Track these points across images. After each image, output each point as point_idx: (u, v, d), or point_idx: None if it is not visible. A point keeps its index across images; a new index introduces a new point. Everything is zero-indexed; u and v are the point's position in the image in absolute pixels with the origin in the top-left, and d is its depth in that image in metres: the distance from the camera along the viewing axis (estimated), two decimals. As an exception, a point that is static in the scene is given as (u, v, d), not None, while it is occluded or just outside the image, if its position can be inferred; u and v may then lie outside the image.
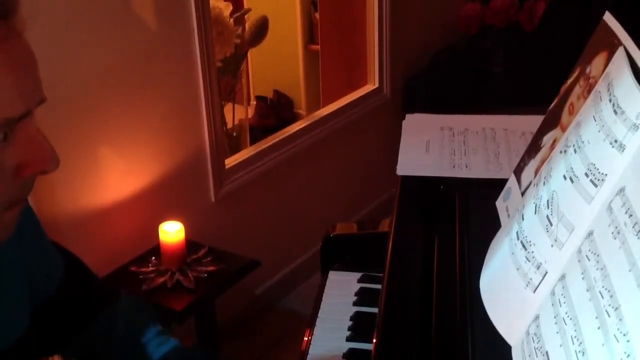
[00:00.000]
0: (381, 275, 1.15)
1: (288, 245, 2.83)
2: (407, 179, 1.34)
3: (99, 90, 1.98)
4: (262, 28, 2.52)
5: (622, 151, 0.76)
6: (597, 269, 0.72)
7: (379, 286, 1.26)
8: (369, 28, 3.08)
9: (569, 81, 1.00)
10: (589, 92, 0.90)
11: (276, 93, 3.89)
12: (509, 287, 0.88)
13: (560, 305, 0.76)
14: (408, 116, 1.53)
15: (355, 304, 1.37)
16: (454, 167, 1.33)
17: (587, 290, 0.72)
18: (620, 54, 0.84)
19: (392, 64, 3.16)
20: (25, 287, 0.92)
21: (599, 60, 0.91)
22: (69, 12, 1.86)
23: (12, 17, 0.71)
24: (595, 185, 0.78)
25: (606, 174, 0.77)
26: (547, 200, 0.87)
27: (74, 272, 1.03)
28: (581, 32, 1.14)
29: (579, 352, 0.69)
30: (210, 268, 2.08)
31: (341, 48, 3.22)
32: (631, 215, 0.70)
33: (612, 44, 0.87)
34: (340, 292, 1.41)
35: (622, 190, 0.73)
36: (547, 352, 0.75)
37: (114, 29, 1.98)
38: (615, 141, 0.77)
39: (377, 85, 3.15)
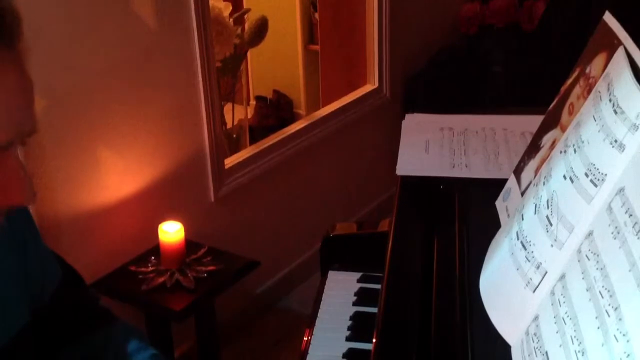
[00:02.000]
0: (381, 275, 1.15)
1: (288, 245, 2.83)
2: (406, 179, 1.34)
3: (99, 90, 1.98)
4: (261, 28, 2.51)
5: (622, 151, 0.76)
6: (596, 268, 0.72)
7: (378, 286, 1.27)
8: (369, 28, 3.07)
9: (569, 81, 1.00)
10: (589, 92, 0.90)
11: (276, 93, 3.89)
12: (509, 287, 0.88)
13: (560, 305, 0.76)
14: (408, 116, 1.53)
15: (354, 304, 1.37)
16: (453, 167, 1.33)
17: (587, 290, 0.72)
18: (620, 54, 0.84)
19: (392, 64, 3.16)
20: (21, 285, 0.92)
21: (599, 60, 0.91)
22: (69, 13, 1.86)
23: (13, 44, 0.70)
24: (595, 185, 0.78)
25: (606, 174, 0.77)
26: (547, 200, 0.87)
27: (72, 283, 1.03)
28: (581, 32, 1.14)
29: (579, 352, 0.69)
30: (210, 268, 2.08)
31: (341, 48, 3.22)
32: (631, 215, 0.70)
33: (612, 44, 0.88)
34: (340, 292, 1.41)
35: (622, 190, 0.73)
36: (546, 352, 0.75)
37: (114, 29, 1.98)
38: (615, 141, 0.77)
39: (376, 85, 3.15)
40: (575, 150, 0.85)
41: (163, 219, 2.10)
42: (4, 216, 0.76)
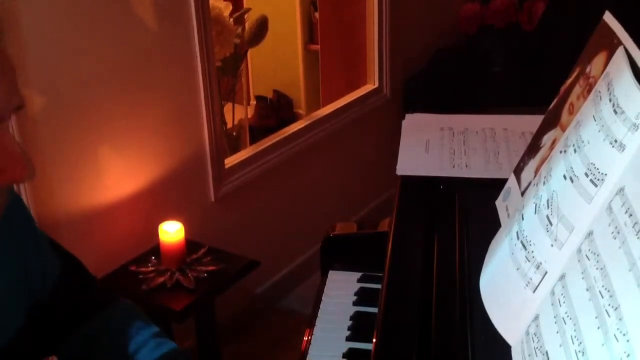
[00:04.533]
0: (381, 275, 1.15)
1: (288, 245, 2.83)
2: (407, 178, 1.34)
3: (99, 90, 1.98)
4: (261, 28, 2.52)
5: (622, 151, 0.76)
6: (596, 268, 0.72)
7: (378, 286, 1.26)
8: (369, 28, 3.08)
9: (569, 81, 1.00)
10: (589, 91, 0.90)
11: (276, 93, 3.89)
12: (509, 287, 0.88)
13: (560, 305, 0.76)
14: (408, 116, 1.53)
15: (355, 304, 1.37)
16: (453, 166, 1.33)
17: (587, 290, 0.72)
18: (620, 53, 0.84)
19: (392, 64, 3.16)
20: (20, 285, 0.92)
21: (599, 59, 0.91)
22: (69, 13, 1.86)
23: None
24: (595, 185, 0.78)
25: (606, 174, 0.77)
26: (547, 200, 0.87)
27: (71, 272, 1.03)
28: (581, 32, 1.14)
29: (579, 351, 0.69)
30: (210, 268, 2.08)
31: (341, 48, 3.22)
32: (631, 215, 0.70)
33: (611, 44, 0.88)
34: (340, 292, 1.41)
35: (621, 190, 0.73)
36: (546, 352, 0.75)
37: (114, 29, 1.98)
38: (615, 141, 0.77)
39: (376, 85, 3.15)
40: (575, 150, 0.85)
41: (163, 218, 2.10)
42: (5, 195, 0.76)
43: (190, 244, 2.12)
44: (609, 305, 0.67)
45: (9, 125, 0.74)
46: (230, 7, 2.40)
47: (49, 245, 1.00)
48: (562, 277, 0.78)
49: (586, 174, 0.80)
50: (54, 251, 1.01)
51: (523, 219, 0.91)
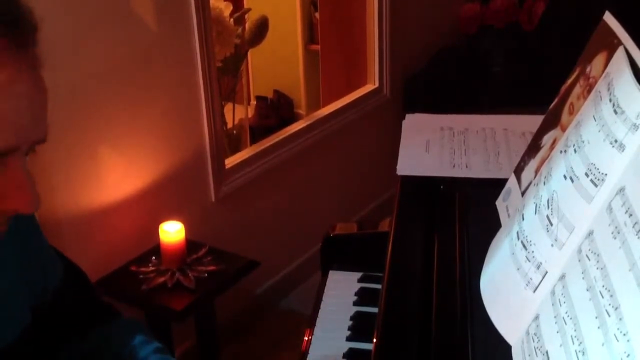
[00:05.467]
0: (381, 275, 1.15)
1: (288, 245, 2.83)
2: (407, 179, 1.34)
3: (100, 90, 1.98)
4: (262, 28, 2.52)
5: (622, 151, 0.76)
6: (597, 268, 0.72)
7: (379, 286, 1.27)
8: (369, 28, 3.08)
9: (569, 81, 1.01)
10: (589, 91, 0.90)
11: (276, 93, 3.89)
12: (509, 287, 0.88)
13: (560, 305, 0.76)
14: (408, 116, 1.53)
15: (355, 304, 1.37)
16: (453, 167, 1.33)
17: (587, 290, 0.72)
18: (620, 53, 0.84)
19: (392, 64, 3.16)
20: (22, 283, 0.92)
21: (599, 60, 0.91)
22: (69, 13, 1.86)
23: (27, 51, 0.70)
24: (595, 185, 0.78)
25: (606, 174, 0.77)
26: (547, 200, 0.87)
27: (74, 278, 1.03)
28: (581, 32, 1.14)
29: (579, 351, 0.69)
30: (211, 268, 2.08)
31: (341, 48, 3.22)
32: (631, 215, 0.70)
33: (612, 44, 0.88)
34: (340, 292, 1.41)
35: (622, 189, 0.73)
36: (547, 352, 0.75)
37: (115, 29, 1.98)
38: (615, 141, 0.77)
39: (377, 85, 3.15)
40: (575, 150, 0.85)
41: (164, 218, 2.10)
42: (6, 223, 0.76)
43: (191, 244, 2.13)
44: (609, 305, 0.67)
45: (26, 158, 0.74)
46: (231, 7, 2.40)
47: (52, 249, 1.00)
48: (563, 277, 0.78)
49: (586, 174, 0.80)
50: (58, 258, 1.01)
51: (523, 219, 0.91)
